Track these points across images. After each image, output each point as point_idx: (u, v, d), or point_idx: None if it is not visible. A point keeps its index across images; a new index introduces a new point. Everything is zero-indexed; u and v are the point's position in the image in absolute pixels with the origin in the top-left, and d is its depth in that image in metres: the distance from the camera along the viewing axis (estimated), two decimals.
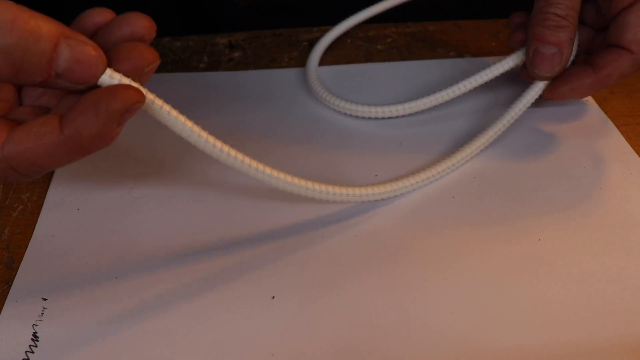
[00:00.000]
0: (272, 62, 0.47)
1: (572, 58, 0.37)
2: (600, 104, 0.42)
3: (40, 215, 0.34)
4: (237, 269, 0.31)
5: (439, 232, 0.33)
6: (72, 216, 0.34)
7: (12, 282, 0.30)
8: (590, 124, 0.40)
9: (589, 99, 0.42)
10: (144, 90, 0.24)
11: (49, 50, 0.21)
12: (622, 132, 0.39)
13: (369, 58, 0.48)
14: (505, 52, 0.48)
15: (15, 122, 0.24)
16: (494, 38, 0.50)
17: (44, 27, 0.21)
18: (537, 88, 0.38)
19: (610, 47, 0.36)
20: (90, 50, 0.22)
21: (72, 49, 0.22)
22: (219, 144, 0.27)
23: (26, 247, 0.32)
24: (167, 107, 0.25)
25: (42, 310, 0.29)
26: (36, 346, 0.28)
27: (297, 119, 0.41)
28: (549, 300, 0.29)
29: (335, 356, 0.27)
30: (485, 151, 0.38)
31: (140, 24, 0.25)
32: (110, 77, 0.23)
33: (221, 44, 0.49)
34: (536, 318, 0.29)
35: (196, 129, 0.26)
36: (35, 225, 0.34)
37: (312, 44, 0.48)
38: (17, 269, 0.31)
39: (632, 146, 0.38)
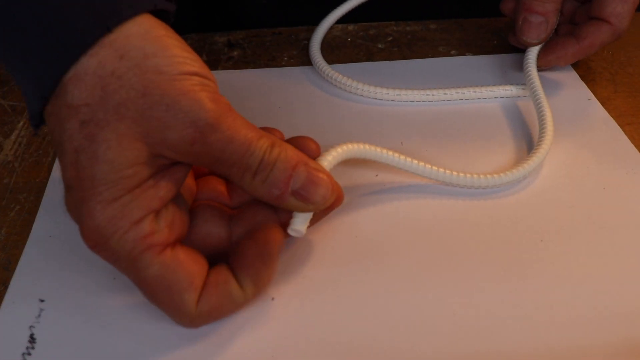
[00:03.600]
0: (272, 61, 0.47)
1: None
2: (603, 103, 0.42)
3: (38, 215, 0.34)
4: None
5: (441, 232, 0.33)
6: (70, 217, 0.34)
7: (9, 283, 0.30)
8: (593, 123, 0.40)
9: (592, 98, 0.42)
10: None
11: (290, 169, 0.26)
12: (626, 132, 0.39)
13: (369, 57, 0.47)
14: (506, 50, 0.47)
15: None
16: (496, 36, 0.49)
17: (288, 151, 0.26)
18: (533, 54, 0.42)
19: (592, 19, 0.41)
20: (324, 176, 0.27)
21: (308, 172, 0.26)
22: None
23: (23, 247, 0.32)
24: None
25: (40, 312, 0.29)
26: (33, 348, 0.27)
27: (297, 118, 0.41)
28: (552, 301, 0.29)
29: (336, 357, 0.27)
30: None
31: (310, 147, 0.29)
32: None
33: (220, 43, 0.49)
34: (539, 319, 0.28)
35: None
36: (32, 225, 0.33)
37: None
38: (14, 269, 0.31)
39: (635, 146, 0.38)
